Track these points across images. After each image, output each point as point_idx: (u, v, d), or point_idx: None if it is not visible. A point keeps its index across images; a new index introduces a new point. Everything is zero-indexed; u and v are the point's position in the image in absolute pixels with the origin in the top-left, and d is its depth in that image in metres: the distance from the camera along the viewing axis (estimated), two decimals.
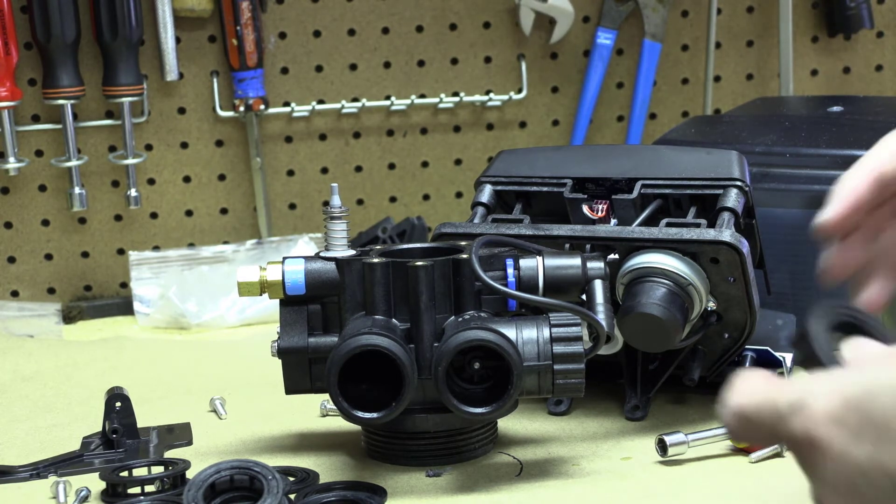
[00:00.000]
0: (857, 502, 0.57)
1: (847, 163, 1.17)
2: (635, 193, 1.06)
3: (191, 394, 1.21)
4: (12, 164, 1.51)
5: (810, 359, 0.65)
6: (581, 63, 1.65)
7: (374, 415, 0.90)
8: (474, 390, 0.93)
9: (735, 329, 1.05)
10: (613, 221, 1.06)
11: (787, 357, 1.11)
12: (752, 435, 0.62)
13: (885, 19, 1.71)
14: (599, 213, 1.06)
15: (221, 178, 1.60)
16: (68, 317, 1.54)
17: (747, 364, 1.10)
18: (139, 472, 0.97)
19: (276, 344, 0.98)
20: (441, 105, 1.62)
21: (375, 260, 0.96)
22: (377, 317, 0.95)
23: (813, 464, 0.59)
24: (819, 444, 0.58)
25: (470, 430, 0.98)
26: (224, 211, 1.61)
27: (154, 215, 1.60)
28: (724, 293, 1.02)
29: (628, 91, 1.66)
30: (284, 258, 1.00)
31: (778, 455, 0.96)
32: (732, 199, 1.03)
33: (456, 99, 1.63)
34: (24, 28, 1.50)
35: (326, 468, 0.98)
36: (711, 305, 1.03)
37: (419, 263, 0.95)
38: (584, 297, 0.97)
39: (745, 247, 1.00)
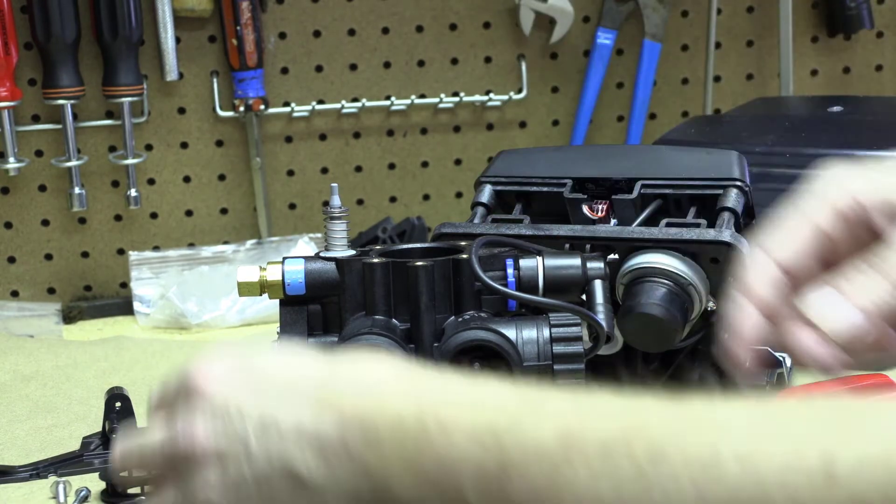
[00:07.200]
0: None
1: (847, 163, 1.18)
2: (635, 193, 1.06)
3: None
4: (12, 164, 1.50)
5: None
6: (581, 63, 1.65)
7: None
8: None
9: None
10: (613, 221, 1.06)
11: (787, 357, 1.11)
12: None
13: (885, 19, 1.71)
14: (599, 213, 1.06)
15: (221, 178, 1.60)
16: (68, 317, 1.54)
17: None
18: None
19: (276, 344, 0.98)
20: (441, 105, 1.62)
21: (375, 260, 0.96)
22: (377, 317, 0.95)
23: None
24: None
25: None
26: (224, 211, 1.61)
27: (154, 215, 1.60)
28: (724, 293, 1.02)
29: (628, 91, 1.65)
30: (284, 258, 0.99)
31: None
32: (732, 199, 1.03)
33: (456, 99, 1.62)
34: (24, 28, 1.50)
35: None
36: (711, 305, 1.03)
37: (419, 263, 0.95)
38: (584, 297, 0.97)
39: (745, 247, 1.00)
